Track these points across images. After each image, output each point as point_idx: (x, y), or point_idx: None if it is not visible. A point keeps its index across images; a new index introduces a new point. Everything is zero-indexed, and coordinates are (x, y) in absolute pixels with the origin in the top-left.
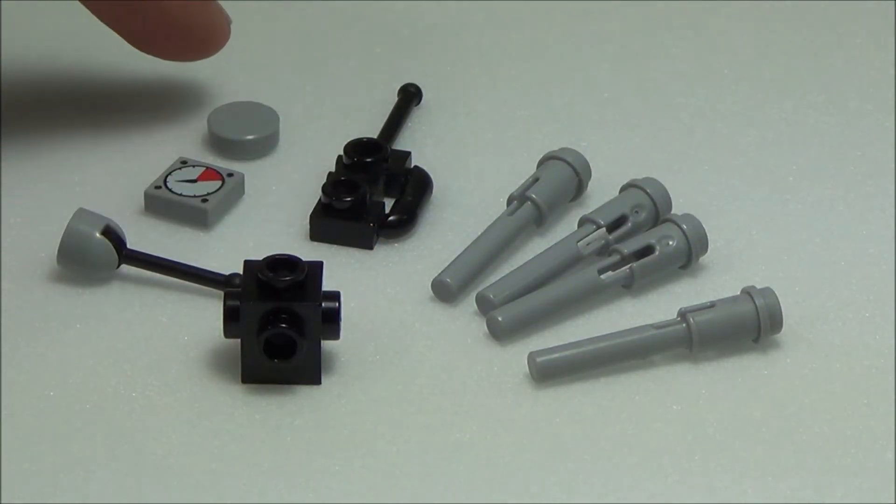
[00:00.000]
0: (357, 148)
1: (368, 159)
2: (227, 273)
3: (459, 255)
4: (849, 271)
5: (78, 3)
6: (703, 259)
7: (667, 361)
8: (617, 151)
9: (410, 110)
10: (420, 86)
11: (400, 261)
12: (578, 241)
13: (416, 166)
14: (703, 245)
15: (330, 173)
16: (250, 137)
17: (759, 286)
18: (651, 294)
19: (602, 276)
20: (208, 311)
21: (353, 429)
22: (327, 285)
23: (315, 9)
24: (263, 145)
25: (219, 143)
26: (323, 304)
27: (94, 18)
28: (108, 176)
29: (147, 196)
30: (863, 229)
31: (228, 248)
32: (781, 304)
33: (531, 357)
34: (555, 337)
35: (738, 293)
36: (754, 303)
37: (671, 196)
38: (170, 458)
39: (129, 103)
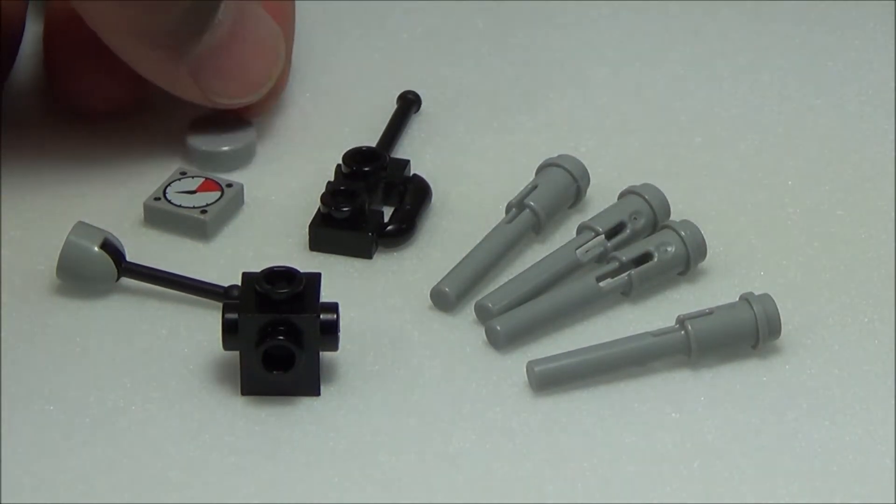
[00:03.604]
0: (356, 157)
1: (367, 168)
2: (226, 285)
3: (458, 264)
4: (848, 276)
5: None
6: (702, 265)
7: (665, 368)
8: (615, 158)
9: (409, 118)
10: (419, 93)
11: (399, 270)
12: (577, 249)
13: (415, 174)
14: (702, 251)
15: (329, 182)
16: (226, 149)
17: (757, 292)
18: (649, 301)
19: (600, 284)
20: (208, 324)
21: (352, 439)
22: (326, 295)
23: (313, 15)
24: (241, 156)
25: (198, 157)
26: (321, 316)
27: None
28: (107, 187)
29: (146, 208)
30: (862, 234)
31: (228, 259)
32: (780, 310)
33: (530, 366)
34: (553, 345)
35: (737, 299)
36: (753, 309)
37: (669, 202)
38: (170, 470)
39: (128, 114)
